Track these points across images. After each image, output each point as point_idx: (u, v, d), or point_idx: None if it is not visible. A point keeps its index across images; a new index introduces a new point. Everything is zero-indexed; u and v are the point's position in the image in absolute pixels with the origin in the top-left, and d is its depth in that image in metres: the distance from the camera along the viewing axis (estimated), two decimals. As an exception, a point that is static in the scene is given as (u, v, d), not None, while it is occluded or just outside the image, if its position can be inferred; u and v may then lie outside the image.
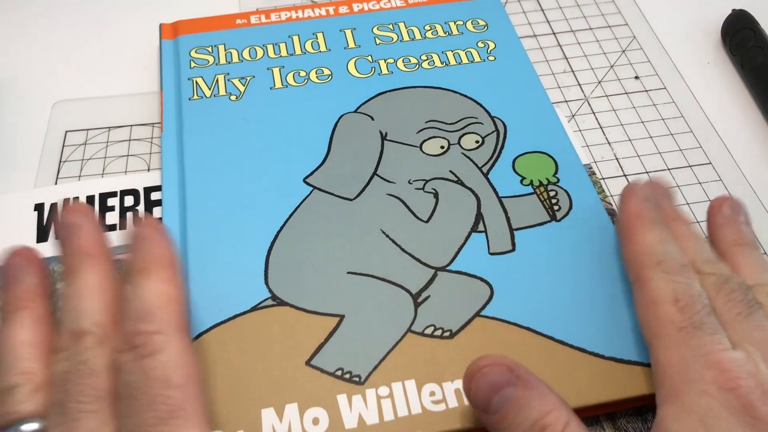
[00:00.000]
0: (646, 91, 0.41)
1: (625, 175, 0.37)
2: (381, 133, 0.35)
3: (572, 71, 0.42)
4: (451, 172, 0.34)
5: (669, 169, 0.37)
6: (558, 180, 0.34)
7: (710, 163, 0.37)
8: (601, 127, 0.39)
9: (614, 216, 0.35)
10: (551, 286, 0.30)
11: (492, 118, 0.36)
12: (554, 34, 0.44)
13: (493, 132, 0.34)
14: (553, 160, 0.34)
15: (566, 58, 0.42)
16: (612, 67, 0.42)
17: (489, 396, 0.23)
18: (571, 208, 0.33)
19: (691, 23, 0.45)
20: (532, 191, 0.33)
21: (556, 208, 0.32)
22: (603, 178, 0.36)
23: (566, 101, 0.40)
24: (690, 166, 0.37)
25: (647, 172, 0.37)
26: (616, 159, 0.37)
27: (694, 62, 0.42)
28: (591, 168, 0.37)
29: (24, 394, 0.23)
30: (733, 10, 0.43)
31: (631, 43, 0.43)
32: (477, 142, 0.34)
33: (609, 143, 0.38)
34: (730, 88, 0.41)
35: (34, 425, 0.23)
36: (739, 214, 0.29)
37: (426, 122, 0.36)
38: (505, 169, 0.34)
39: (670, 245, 0.27)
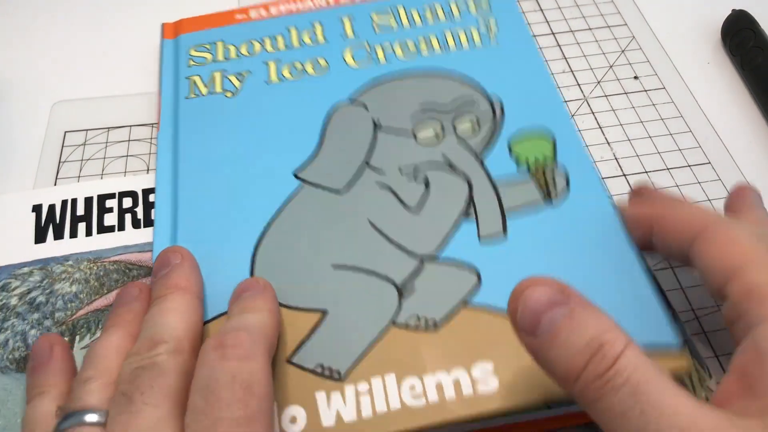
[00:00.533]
0: (646, 91, 0.41)
1: (624, 175, 0.36)
2: (374, 122, 0.35)
3: (571, 71, 0.42)
4: (443, 155, 0.33)
5: (668, 169, 0.37)
6: (555, 161, 0.33)
7: (709, 162, 0.37)
8: (600, 127, 0.39)
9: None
10: (543, 273, 0.29)
11: (488, 97, 0.35)
12: (553, 34, 0.44)
13: (488, 111, 0.33)
14: (552, 139, 0.33)
15: (565, 58, 0.42)
16: (611, 67, 0.42)
17: (538, 316, 0.22)
18: (568, 191, 0.32)
19: (691, 23, 0.45)
20: (528, 172, 0.32)
21: (552, 191, 0.31)
22: (602, 179, 0.36)
23: (565, 101, 0.40)
24: (689, 166, 0.37)
25: (647, 172, 0.37)
26: (616, 159, 0.37)
27: (694, 62, 0.42)
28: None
29: (94, 387, 0.25)
30: (733, 10, 0.43)
31: (630, 43, 0.43)
32: (472, 121, 0.32)
33: (608, 143, 0.38)
34: (730, 88, 0.41)
35: (94, 416, 0.24)
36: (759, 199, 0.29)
37: (420, 105, 0.35)
38: (501, 150, 0.33)
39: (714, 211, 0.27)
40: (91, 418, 0.24)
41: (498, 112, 0.34)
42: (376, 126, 0.35)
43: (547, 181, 0.31)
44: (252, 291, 0.28)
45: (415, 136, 0.34)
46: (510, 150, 0.33)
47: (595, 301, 0.27)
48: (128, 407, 0.23)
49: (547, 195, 0.31)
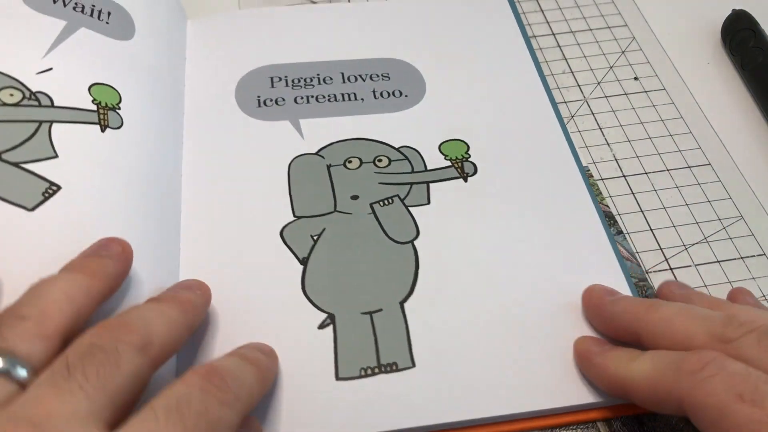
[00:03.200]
0: (646, 92, 0.41)
1: (624, 176, 0.37)
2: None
3: (572, 72, 0.42)
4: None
5: (668, 170, 0.37)
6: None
7: (709, 163, 0.37)
8: (600, 128, 0.39)
9: (612, 219, 0.35)
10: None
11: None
12: (554, 34, 0.44)
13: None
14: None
15: (566, 59, 0.42)
16: (611, 68, 0.42)
17: None
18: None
19: (691, 24, 0.45)
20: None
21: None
22: (602, 179, 0.36)
23: (565, 102, 0.40)
24: (689, 167, 0.37)
25: (646, 173, 0.37)
26: (615, 160, 0.37)
27: (694, 63, 0.42)
28: (589, 169, 0.37)
29: (30, 331, 0.21)
30: (733, 10, 0.43)
31: (630, 44, 0.43)
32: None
33: (608, 144, 0.38)
34: (730, 88, 0.41)
35: (23, 371, 0.21)
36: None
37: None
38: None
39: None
40: (20, 371, 0.20)
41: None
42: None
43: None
44: (267, 351, 0.27)
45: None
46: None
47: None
48: (60, 382, 0.20)
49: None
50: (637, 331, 0.26)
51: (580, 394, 0.28)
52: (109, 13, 0.36)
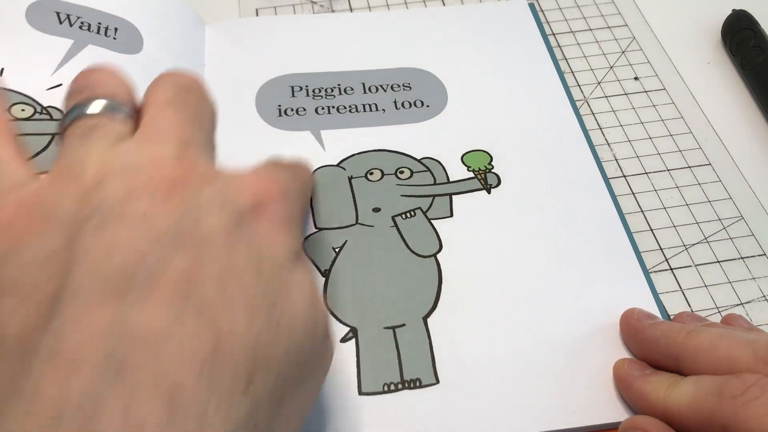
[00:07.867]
0: (646, 92, 0.41)
1: (624, 176, 0.37)
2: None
3: (572, 72, 0.42)
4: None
5: (668, 170, 0.37)
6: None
7: (710, 164, 0.37)
8: (600, 128, 0.39)
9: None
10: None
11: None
12: (554, 35, 0.44)
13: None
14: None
15: (566, 59, 0.43)
16: (611, 68, 0.42)
17: None
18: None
19: (691, 23, 0.45)
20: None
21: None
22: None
23: (566, 102, 0.40)
24: (689, 167, 0.37)
25: (647, 173, 0.37)
26: (616, 160, 0.37)
27: (694, 63, 0.42)
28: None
29: (121, 89, 0.23)
30: (733, 10, 0.43)
31: (630, 44, 0.43)
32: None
33: (608, 144, 0.38)
34: (730, 88, 0.41)
35: (124, 108, 0.23)
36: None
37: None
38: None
39: None
40: (123, 110, 0.23)
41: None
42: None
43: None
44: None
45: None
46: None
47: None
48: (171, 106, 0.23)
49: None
50: (677, 357, 0.26)
51: (615, 412, 0.27)
52: (116, 29, 0.36)
